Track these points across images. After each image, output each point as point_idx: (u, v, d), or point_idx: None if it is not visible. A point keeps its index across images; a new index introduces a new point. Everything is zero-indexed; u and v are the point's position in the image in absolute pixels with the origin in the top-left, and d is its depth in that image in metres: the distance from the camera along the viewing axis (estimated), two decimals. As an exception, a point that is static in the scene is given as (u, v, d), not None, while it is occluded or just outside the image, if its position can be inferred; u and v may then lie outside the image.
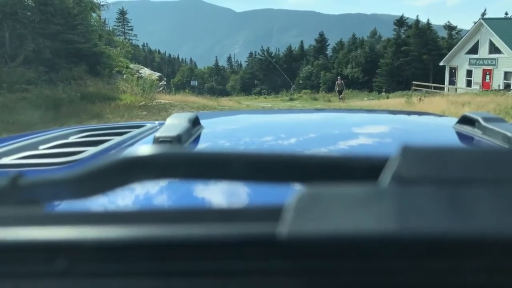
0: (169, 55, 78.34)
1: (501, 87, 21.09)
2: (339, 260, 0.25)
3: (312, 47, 44.05)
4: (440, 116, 1.43)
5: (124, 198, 0.54)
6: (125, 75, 15.85)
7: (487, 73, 23.91)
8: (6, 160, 0.79)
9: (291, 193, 0.25)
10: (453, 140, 0.92)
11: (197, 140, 0.87)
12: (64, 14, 14.56)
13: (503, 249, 0.24)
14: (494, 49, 23.67)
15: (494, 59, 23.42)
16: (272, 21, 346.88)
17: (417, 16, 35.14)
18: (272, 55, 45.49)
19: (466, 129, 0.94)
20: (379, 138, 0.97)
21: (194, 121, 0.91)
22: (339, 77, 24.82)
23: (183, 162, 0.32)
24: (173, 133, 0.76)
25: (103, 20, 21.33)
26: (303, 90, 28.23)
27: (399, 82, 30.95)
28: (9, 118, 8.50)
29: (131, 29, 48.76)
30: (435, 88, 24.82)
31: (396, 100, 16.95)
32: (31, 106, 9.67)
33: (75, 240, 0.25)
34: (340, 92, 21.71)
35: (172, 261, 0.25)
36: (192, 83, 31.04)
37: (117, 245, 0.25)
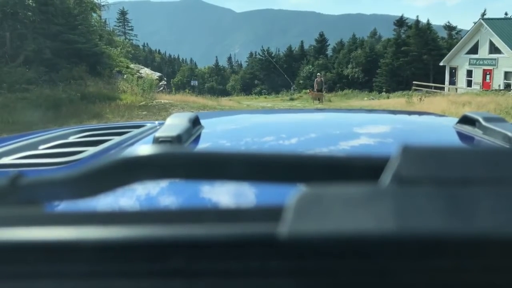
0: (169, 55, 78.29)
1: (502, 87, 21.08)
2: (339, 260, 0.24)
3: (312, 47, 44.00)
4: (441, 116, 1.43)
5: (124, 198, 0.54)
6: (125, 75, 15.85)
7: (487, 73, 23.90)
8: (6, 160, 0.79)
9: (291, 193, 0.25)
10: (453, 140, 0.92)
11: (197, 140, 0.87)
12: (64, 14, 14.56)
13: (503, 249, 0.24)
14: (494, 49, 23.67)
15: (494, 59, 23.41)
16: (272, 21, 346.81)
17: (417, 16, 35.13)
18: (272, 55, 45.44)
19: (467, 129, 0.94)
20: (380, 138, 0.97)
21: (194, 121, 0.90)
22: (318, 74, 21.85)
23: (183, 162, 0.32)
24: (173, 133, 0.76)
25: (103, 20, 21.33)
26: (304, 90, 28.20)
27: (399, 82, 30.92)
28: (9, 118, 8.50)
29: (132, 29, 48.77)
30: (436, 88, 24.80)
31: (396, 100, 16.94)
32: (31, 106, 9.68)
33: (75, 240, 0.25)
34: (319, 91, 18.76)
35: (172, 261, 0.25)
36: (192, 83, 30.98)
37: (117, 245, 0.25)
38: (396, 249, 0.24)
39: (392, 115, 1.49)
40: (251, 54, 53.71)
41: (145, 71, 18.51)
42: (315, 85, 19.16)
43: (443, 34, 36.19)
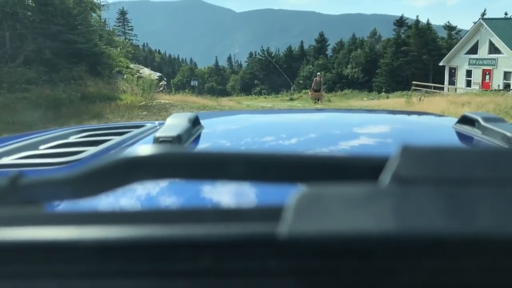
0: (169, 55, 78.28)
1: (501, 87, 21.09)
2: (339, 260, 0.24)
3: (312, 47, 44.00)
4: (440, 116, 1.43)
5: (124, 198, 0.54)
6: (125, 75, 15.84)
7: (487, 73, 23.91)
8: (6, 160, 0.79)
9: (291, 193, 0.25)
10: (453, 140, 0.92)
11: (197, 140, 0.87)
12: (64, 14, 14.55)
13: (503, 249, 0.24)
14: (493, 49, 23.67)
15: (494, 59, 23.41)
16: (272, 21, 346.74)
17: (417, 16, 35.15)
18: (272, 55, 45.42)
19: (466, 129, 0.94)
20: (379, 138, 0.97)
21: (194, 121, 0.90)
22: (318, 73, 21.10)
23: (183, 162, 0.32)
24: (173, 133, 0.76)
25: (103, 20, 21.31)
26: (303, 90, 28.17)
27: (399, 82, 30.93)
28: (9, 118, 8.49)
29: (131, 29, 48.73)
30: (435, 88, 24.80)
31: (396, 100, 16.93)
32: (32, 106, 9.67)
33: (75, 240, 0.25)
34: (317, 91, 18.07)
35: (172, 261, 0.25)
36: (192, 83, 30.97)
37: (117, 245, 0.25)
38: (396, 249, 0.24)
39: (391, 115, 1.49)
40: (251, 54, 53.72)
41: (145, 71, 18.50)
42: (313, 85, 18.58)
43: (443, 34, 36.19)
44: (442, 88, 25.39)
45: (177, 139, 0.75)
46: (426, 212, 0.23)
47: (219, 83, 51.97)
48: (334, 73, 36.85)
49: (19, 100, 10.35)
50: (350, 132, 1.04)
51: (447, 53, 27.66)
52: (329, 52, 43.10)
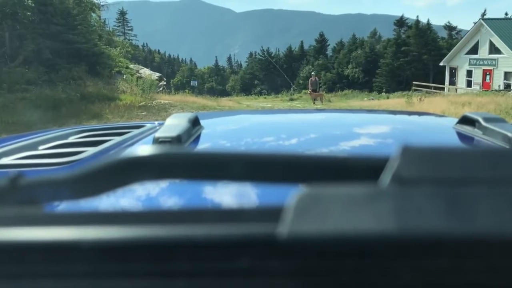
0: (169, 55, 78.28)
1: (501, 87, 21.10)
2: (339, 260, 0.24)
3: (312, 47, 44.03)
4: (441, 116, 1.43)
5: (124, 198, 0.54)
6: (125, 76, 15.84)
7: (487, 73, 23.91)
8: (6, 160, 0.79)
9: (291, 193, 0.25)
10: (453, 140, 0.92)
11: (197, 140, 0.87)
12: (64, 14, 14.55)
13: (503, 249, 0.24)
14: (494, 49, 23.68)
15: (494, 59, 23.42)
16: (272, 21, 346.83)
17: (417, 16, 35.20)
18: (272, 55, 45.45)
19: (467, 129, 0.94)
20: (379, 138, 0.97)
21: (194, 121, 0.90)
22: (313, 73, 21.05)
23: (183, 162, 0.32)
24: (173, 133, 0.76)
25: (103, 20, 21.31)
26: (303, 90, 28.16)
27: (399, 82, 30.96)
28: (9, 118, 8.50)
29: (131, 29, 48.78)
30: (435, 88, 24.80)
31: (396, 100, 16.93)
32: (31, 106, 9.67)
33: (75, 240, 0.25)
34: (314, 91, 17.69)
35: (172, 261, 0.25)
36: (192, 83, 30.96)
37: (117, 245, 0.25)
38: (396, 249, 0.24)
39: (392, 115, 1.49)
40: (251, 54, 53.76)
41: (145, 71, 18.50)
42: (309, 85, 18.11)
43: (443, 34, 36.25)
44: (443, 88, 25.39)
45: (177, 140, 0.75)
46: (426, 212, 0.23)
47: (219, 83, 52.01)
48: (334, 73, 36.89)
49: (18, 100, 10.35)
50: (350, 133, 1.04)
51: (448, 53, 27.68)
52: (329, 52, 43.13)
